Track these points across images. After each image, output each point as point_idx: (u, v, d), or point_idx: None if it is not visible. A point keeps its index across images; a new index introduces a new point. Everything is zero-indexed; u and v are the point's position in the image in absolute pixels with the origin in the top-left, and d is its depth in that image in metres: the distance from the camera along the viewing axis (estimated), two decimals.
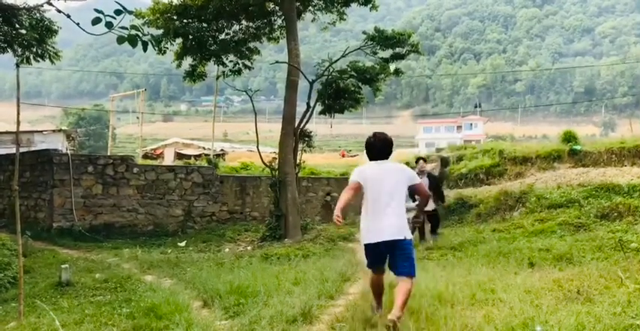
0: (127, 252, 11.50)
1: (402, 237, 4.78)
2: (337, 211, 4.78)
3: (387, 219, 4.80)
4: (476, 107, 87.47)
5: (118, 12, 3.43)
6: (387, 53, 15.42)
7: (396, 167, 5.19)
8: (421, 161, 11.93)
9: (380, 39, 14.85)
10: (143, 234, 14.83)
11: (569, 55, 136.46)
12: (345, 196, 4.97)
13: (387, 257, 4.88)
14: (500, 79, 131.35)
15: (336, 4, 15.94)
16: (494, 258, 8.52)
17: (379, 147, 5.10)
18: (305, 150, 14.98)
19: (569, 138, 18.63)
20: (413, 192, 5.42)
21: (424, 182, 9.86)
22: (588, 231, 10.50)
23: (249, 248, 12.94)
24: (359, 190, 4.98)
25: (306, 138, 14.76)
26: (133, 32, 3.54)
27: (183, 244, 13.59)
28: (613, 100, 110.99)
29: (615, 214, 11.37)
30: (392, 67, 15.07)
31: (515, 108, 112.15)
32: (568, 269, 7.18)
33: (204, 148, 33.37)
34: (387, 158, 5.12)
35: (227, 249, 12.86)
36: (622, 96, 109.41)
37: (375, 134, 5.24)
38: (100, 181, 14.86)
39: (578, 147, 18.05)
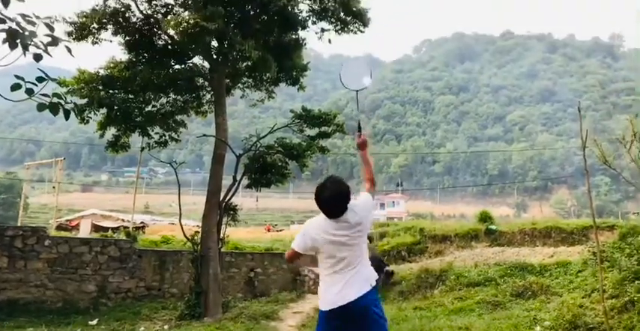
0: None
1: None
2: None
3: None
4: (398, 186, 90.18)
5: (40, 79, 3.37)
6: (313, 131, 15.83)
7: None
8: None
9: (307, 118, 15.28)
10: (51, 311, 13.74)
11: (483, 140, 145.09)
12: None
13: None
14: (420, 159, 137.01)
15: (265, 83, 16.38)
16: None
17: (328, 202, 4.12)
18: (230, 224, 14.75)
19: (485, 218, 19.48)
20: None
21: None
22: (505, 310, 10.78)
23: (165, 327, 12.26)
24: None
25: (231, 212, 14.58)
26: (55, 100, 3.48)
27: (94, 323, 12.69)
28: (524, 183, 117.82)
29: (529, 293, 11.78)
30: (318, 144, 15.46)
31: (435, 188, 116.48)
32: None
33: (123, 220, 32.12)
34: (340, 215, 4.08)
35: (142, 328, 12.12)
36: (532, 180, 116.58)
37: (324, 183, 4.19)
38: (6, 254, 13.83)
39: (493, 227, 18.87)
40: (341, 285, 3.88)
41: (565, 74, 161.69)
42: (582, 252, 13.52)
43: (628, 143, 9.51)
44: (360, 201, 4.25)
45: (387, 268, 13.70)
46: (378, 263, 9.52)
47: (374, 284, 3.95)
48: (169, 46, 14.94)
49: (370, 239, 21.73)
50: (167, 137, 15.89)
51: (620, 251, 10.49)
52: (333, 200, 4.03)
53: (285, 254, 4.25)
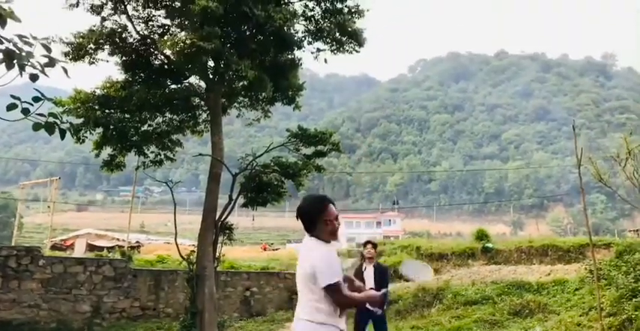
0: None
1: None
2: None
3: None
4: (394, 204, 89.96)
5: (36, 99, 3.39)
6: (309, 150, 15.86)
7: (307, 255, 3.63)
8: (369, 245, 9.07)
9: (303, 137, 15.32)
10: None
11: (479, 158, 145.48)
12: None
13: None
14: (416, 178, 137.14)
15: (261, 103, 16.44)
16: None
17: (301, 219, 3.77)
18: (225, 243, 14.69)
19: (481, 236, 19.48)
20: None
21: (369, 273, 8.43)
22: (502, 328, 10.72)
23: None
24: None
25: (227, 231, 14.52)
26: (51, 119, 3.49)
27: None
28: (520, 201, 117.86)
29: (527, 311, 11.73)
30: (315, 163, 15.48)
31: (431, 206, 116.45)
32: None
33: (118, 239, 31.92)
34: (310, 233, 3.68)
35: None
36: (528, 198, 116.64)
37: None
38: None
39: (490, 246, 18.85)
40: None
41: (559, 93, 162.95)
42: (579, 270, 13.51)
43: (623, 161, 9.59)
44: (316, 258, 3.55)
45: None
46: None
47: None
48: (166, 66, 15.02)
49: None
50: (163, 156, 15.89)
51: (617, 269, 10.49)
52: (299, 211, 3.78)
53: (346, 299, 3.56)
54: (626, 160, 9.63)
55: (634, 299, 8.97)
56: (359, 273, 8.42)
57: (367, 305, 3.71)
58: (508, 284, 13.98)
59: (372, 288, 7.54)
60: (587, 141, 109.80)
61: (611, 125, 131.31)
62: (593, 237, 12.36)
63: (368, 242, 9.33)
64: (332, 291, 3.43)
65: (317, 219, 3.68)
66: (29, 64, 3.27)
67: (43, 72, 3.37)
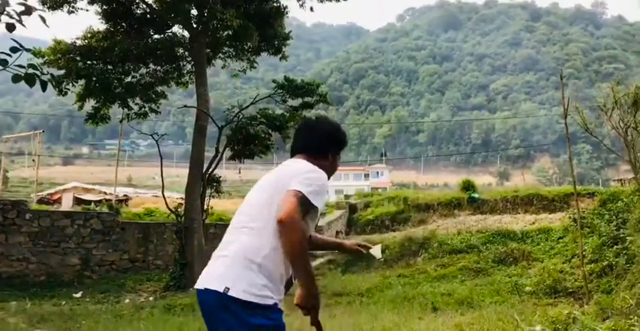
0: (14, 305, 10.57)
1: (220, 289, 2.37)
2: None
3: (217, 254, 2.57)
4: (382, 156, 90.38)
5: (14, 49, 3.26)
6: (296, 102, 15.71)
7: (291, 164, 2.76)
8: None
9: (289, 88, 15.14)
10: (34, 284, 13.74)
11: (467, 109, 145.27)
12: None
13: None
14: (404, 129, 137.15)
15: (246, 53, 16.15)
16: (400, 303, 8.65)
17: (295, 135, 3.02)
18: (213, 196, 14.72)
19: (467, 186, 19.67)
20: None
21: None
22: (487, 276, 10.98)
23: (151, 298, 12.31)
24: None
25: (215, 184, 14.53)
26: (31, 71, 3.37)
27: (79, 295, 12.71)
28: (507, 152, 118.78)
29: (511, 259, 12.02)
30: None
31: (418, 157, 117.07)
32: (469, 314, 7.41)
33: (105, 193, 31.89)
34: (297, 152, 2.87)
35: (127, 300, 12.16)
36: (515, 149, 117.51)
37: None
38: None
39: (476, 196, 19.06)
40: None
41: (548, 42, 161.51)
42: (563, 219, 13.76)
43: (609, 110, 9.60)
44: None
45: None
46: None
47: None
48: (148, 15, 14.62)
49: (354, 209, 21.87)
50: (147, 108, 15.70)
51: (600, 218, 10.68)
52: (302, 131, 3.01)
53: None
54: (612, 110, 9.64)
55: (615, 247, 9.18)
56: None
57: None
58: (493, 233, 14.25)
59: None
60: (575, 91, 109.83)
61: (599, 75, 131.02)
62: (578, 187, 12.52)
63: None
64: (292, 196, 2.41)
65: (330, 149, 2.89)
66: (5, 12, 3.14)
67: (19, 21, 3.24)
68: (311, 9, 15.52)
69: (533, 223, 15.24)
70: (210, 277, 2.45)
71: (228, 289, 2.34)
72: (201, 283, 2.48)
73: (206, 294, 2.43)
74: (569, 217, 12.43)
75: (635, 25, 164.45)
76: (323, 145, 2.85)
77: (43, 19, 3.43)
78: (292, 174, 2.55)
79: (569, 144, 9.74)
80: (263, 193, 2.61)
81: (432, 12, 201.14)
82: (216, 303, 2.39)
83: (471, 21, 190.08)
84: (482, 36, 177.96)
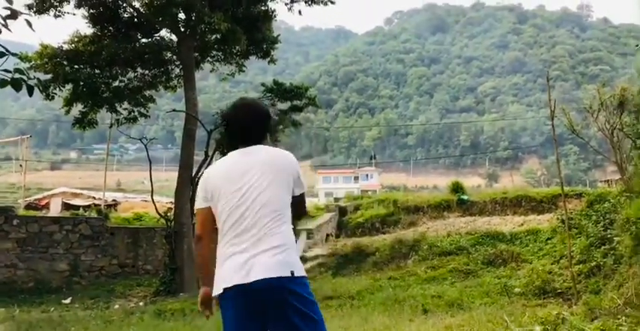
0: (2, 312, 10.46)
1: (288, 274, 2.63)
2: (201, 296, 2.91)
3: (260, 246, 2.67)
4: (371, 158, 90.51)
5: (0, 54, 3.24)
6: (285, 105, 15.73)
7: (276, 152, 3.01)
8: None
9: (278, 91, 15.17)
10: (22, 291, 13.63)
11: (456, 112, 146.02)
12: (198, 254, 3.03)
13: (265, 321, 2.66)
14: (393, 132, 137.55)
15: (235, 56, 16.14)
16: (390, 306, 8.66)
17: (244, 122, 3.00)
18: None
19: (457, 188, 19.75)
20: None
21: None
22: (476, 277, 11.03)
23: (141, 303, 12.24)
24: (213, 222, 2.88)
25: None
26: (17, 76, 3.35)
27: (68, 301, 12.61)
28: (495, 154, 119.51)
29: (500, 260, 12.08)
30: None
31: (408, 160, 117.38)
32: (459, 315, 7.43)
33: (94, 198, 31.65)
34: (258, 141, 2.98)
35: (117, 306, 12.08)
36: (503, 150, 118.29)
37: (236, 103, 3.19)
38: None
39: (465, 197, 19.15)
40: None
41: (535, 45, 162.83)
42: (551, 220, 13.85)
43: (595, 112, 9.69)
44: (295, 162, 3.08)
45: None
46: None
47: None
48: (135, 19, 14.58)
49: (344, 212, 21.90)
50: (136, 113, 15.63)
51: (588, 218, 10.77)
52: (247, 115, 3.05)
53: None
54: (598, 111, 9.74)
55: (602, 247, 9.25)
56: None
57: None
58: (482, 234, 14.32)
59: None
60: (562, 93, 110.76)
61: (586, 77, 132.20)
62: (565, 188, 12.62)
63: None
64: (303, 200, 3.02)
65: (269, 129, 3.19)
66: None
67: (5, 25, 3.23)
68: (299, 12, 15.57)
69: (522, 224, 15.33)
70: (269, 267, 2.61)
71: (293, 272, 2.64)
72: (259, 273, 2.59)
73: (269, 282, 2.58)
74: (557, 218, 12.51)
75: (620, 27, 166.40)
76: (264, 131, 3.08)
77: (30, 24, 3.41)
78: (291, 169, 2.93)
79: (557, 146, 9.82)
80: (273, 185, 2.81)
81: (420, 15, 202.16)
82: (283, 289, 2.60)
83: (458, 24, 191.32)
84: (469, 39, 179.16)
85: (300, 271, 2.68)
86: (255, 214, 2.72)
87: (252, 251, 2.65)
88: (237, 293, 2.61)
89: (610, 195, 11.38)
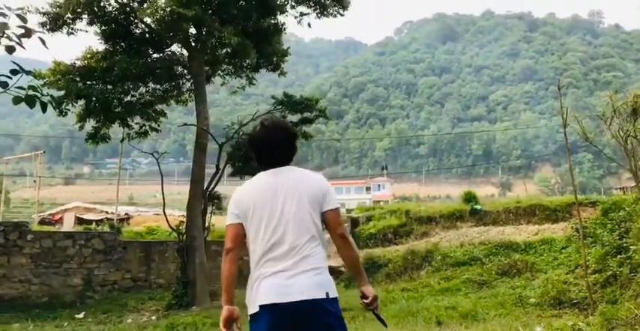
0: (16, 328, 10.53)
1: (323, 296, 2.72)
2: (225, 316, 2.85)
3: (298, 267, 2.75)
4: (383, 169, 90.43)
5: (14, 72, 3.28)
6: (296, 117, 15.77)
7: (304, 174, 3.01)
8: None
9: (289, 104, 15.22)
10: (37, 306, 13.71)
11: (467, 121, 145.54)
12: (225, 267, 2.98)
13: None
14: (404, 142, 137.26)
15: (245, 70, 16.24)
16: (404, 318, 8.58)
17: (272, 143, 3.02)
18: (214, 213, 14.71)
19: (469, 198, 19.61)
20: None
21: None
22: (490, 288, 10.90)
23: (153, 317, 12.24)
24: (244, 238, 2.97)
25: (216, 201, 14.54)
26: (31, 92, 3.39)
27: (81, 316, 12.66)
28: (508, 162, 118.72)
29: (514, 271, 11.94)
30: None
31: (420, 170, 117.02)
32: (473, 327, 7.35)
33: (107, 212, 31.88)
34: (287, 161, 3.04)
35: (129, 320, 12.10)
36: (516, 159, 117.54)
37: (263, 123, 3.11)
38: None
39: (478, 207, 19.00)
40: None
41: (546, 52, 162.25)
42: (566, 229, 13.70)
43: (608, 119, 9.60)
44: (325, 182, 3.08)
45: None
46: None
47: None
48: (147, 35, 14.73)
49: (356, 223, 21.82)
50: (148, 127, 15.74)
51: (603, 227, 10.62)
52: (276, 136, 3.04)
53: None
54: (612, 119, 9.64)
55: (618, 256, 9.11)
56: None
57: None
58: (496, 244, 14.18)
59: None
60: (574, 100, 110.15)
61: (598, 83, 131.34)
62: (580, 196, 12.49)
63: None
64: (337, 213, 2.99)
65: (296, 149, 3.15)
66: (4, 35, 3.17)
67: (19, 43, 3.27)
68: (309, 25, 15.69)
69: (536, 234, 15.17)
70: (307, 288, 2.71)
71: (328, 293, 2.75)
72: (297, 295, 2.68)
73: (306, 303, 2.68)
74: (572, 227, 12.37)
75: (632, 33, 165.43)
76: (291, 150, 3.10)
77: (43, 41, 3.46)
78: (322, 189, 2.94)
79: (569, 154, 9.74)
80: (303, 207, 2.86)
81: (430, 25, 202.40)
82: (319, 309, 2.71)
83: (468, 33, 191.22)
84: (480, 47, 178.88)
85: (333, 292, 2.79)
86: (291, 235, 2.81)
87: (290, 271, 2.75)
88: (273, 313, 2.68)
89: (625, 202, 11.22)
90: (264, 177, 2.98)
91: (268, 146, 3.02)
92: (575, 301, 9.04)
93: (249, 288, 2.86)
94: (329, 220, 2.92)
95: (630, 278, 8.30)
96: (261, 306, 2.71)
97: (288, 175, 2.94)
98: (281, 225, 2.82)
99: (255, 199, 2.90)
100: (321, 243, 2.89)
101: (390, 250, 16.30)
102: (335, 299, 2.79)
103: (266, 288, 2.74)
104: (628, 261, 8.70)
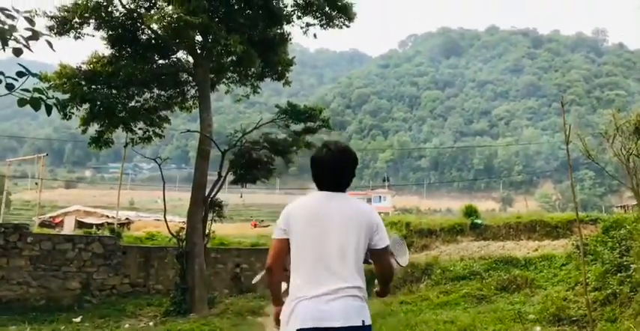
0: (13, 330, 10.48)
1: (360, 323, 2.82)
2: (275, 314, 3.11)
3: (339, 292, 2.82)
4: (384, 181, 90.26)
5: (20, 74, 3.30)
6: (299, 126, 15.80)
7: (358, 206, 3.07)
8: None
9: (292, 113, 15.26)
10: (34, 309, 13.66)
11: (469, 135, 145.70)
12: (272, 282, 3.09)
13: None
14: (406, 154, 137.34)
15: (250, 78, 16.30)
16: None
17: (333, 166, 3.07)
18: (215, 220, 14.70)
19: (470, 212, 19.58)
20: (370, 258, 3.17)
21: None
22: (490, 303, 10.85)
23: (151, 323, 12.20)
24: (287, 253, 3.01)
25: (217, 208, 14.53)
26: (36, 95, 3.41)
27: (78, 320, 12.61)
28: (510, 178, 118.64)
29: (514, 286, 11.88)
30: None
31: (421, 183, 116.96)
32: None
33: (107, 216, 31.87)
34: (343, 188, 3.10)
35: (127, 325, 12.06)
36: (517, 174, 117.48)
37: (327, 145, 3.15)
38: None
39: (479, 221, 18.95)
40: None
41: (550, 69, 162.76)
42: (566, 246, 13.65)
43: (611, 137, 9.61)
44: (378, 217, 3.17)
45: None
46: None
47: None
48: (153, 41, 14.81)
49: None
50: (151, 132, 15.77)
51: (603, 245, 10.59)
52: (338, 159, 3.09)
53: None
54: (614, 137, 9.65)
55: (619, 274, 9.08)
56: None
57: None
58: (496, 259, 14.12)
59: None
60: (577, 117, 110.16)
61: (601, 101, 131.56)
62: (581, 213, 12.46)
63: None
64: (387, 253, 3.14)
65: (354, 176, 3.20)
66: (12, 38, 3.19)
67: (27, 46, 3.29)
68: (314, 35, 15.74)
69: (537, 250, 15.11)
70: (345, 315, 2.78)
71: (364, 321, 2.84)
72: (334, 321, 2.76)
73: (343, 330, 2.77)
74: (573, 244, 12.33)
75: (635, 52, 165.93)
76: (350, 177, 3.17)
77: (50, 44, 3.48)
78: (372, 222, 3.00)
79: (571, 171, 9.74)
80: (353, 237, 2.92)
81: (434, 38, 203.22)
82: None
83: (472, 47, 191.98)
84: (484, 62, 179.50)
85: (368, 320, 2.87)
86: (336, 261, 2.86)
87: (330, 296, 2.79)
88: None
89: (626, 221, 11.18)
90: (319, 198, 3.04)
91: (331, 168, 3.07)
92: (575, 318, 8.99)
93: (286, 305, 2.91)
94: (380, 258, 3.10)
95: (630, 296, 8.26)
96: (298, 330, 2.77)
97: (343, 203, 3.01)
98: (328, 249, 2.87)
99: (305, 217, 2.96)
100: (362, 271, 2.95)
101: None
102: (369, 327, 2.87)
103: (304, 312, 2.79)
104: (628, 280, 8.66)
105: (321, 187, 3.07)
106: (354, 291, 2.85)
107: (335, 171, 3.06)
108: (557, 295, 10.13)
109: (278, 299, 3.12)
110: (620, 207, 29.70)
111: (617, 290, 8.74)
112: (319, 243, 2.88)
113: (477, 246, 16.48)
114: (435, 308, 11.02)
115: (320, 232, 2.89)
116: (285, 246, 2.98)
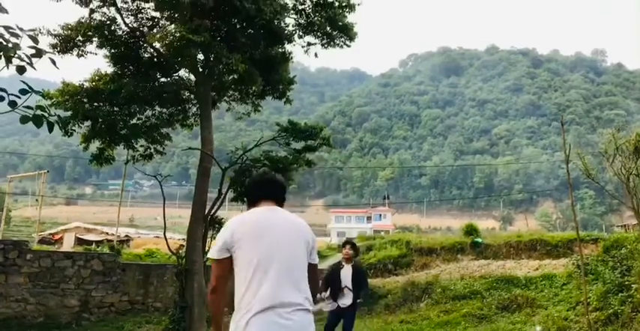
0: None
1: None
2: None
3: (291, 305, 2.84)
4: (384, 199, 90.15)
5: (23, 91, 3.34)
6: (300, 144, 15.82)
7: (299, 220, 3.22)
8: (348, 246, 8.99)
9: (293, 131, 15.29)
10: (32, 326, 13.57)
11: (469, 153, 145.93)
12: (214, 305, 3.15)
13: None
14: (406, 173, 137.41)
15: (251, 96, 16.37)
16: None
17: (270, 186, 3.31)
18: (215, 238, 14.64)
19: (471, 231, 19.58)
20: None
21: (346, 272, 8.36)
22: (490, 323, 10.79)
23: None
24: (230, 272, 2.97)
25: (217, 225, 14.48)
26: (39, 112, 3.44)
27: None
28: (510, 196, 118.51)
29: (515, 306, 11.83)
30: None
31: (421, 201, 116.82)
32: None
33: (107, 233, 31.78)
34: (281, 203, 3.27)
35: None
36: (518, 193, 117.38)
37: (261, 173, 3.70)
38: None
39: (479, 240, 18.94)
40: None
41: (549, 88, 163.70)
42: (567, 265, 13.61)
43: (610, 157, 9.65)
44: (312, 234, 3.29)
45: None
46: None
47: None
48: (155, 59, 14.89)
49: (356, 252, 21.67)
50: (152, 150, 15.77)
51: (604, 264, 10.57)
52: (273, 182, 3.40)
53: None
54: (614, 156, 9.69)
55: (620, 294, 9.05)
56: (336, 271, 8.41)
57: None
58: (497, 278, 14.08)
59: (347, 287, 8.03)
60: (577, 136, 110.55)
61: (601, 121, 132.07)
62: (581, 232, 12.44)
63: (347, 242, 9.32)
64: (317, 271, 3.26)
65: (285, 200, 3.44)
66: (16, 55, 3.23)
67: (30, 64, 3.33)
68: (315, 55, 15.84)
69: (537, 269, 15.07)
70: (302, 327, 2.82)
71: None
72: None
73: None
74: (573, 263, 12.30)
75: (634, 72, 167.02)
76: (284, 196, 3.40)
77: (54, 62, 3.53)
78: (310, 236, 3.13)
79: (571, 190, 9.76)
80: (297, 248, 3.02)
81: (434, 58, 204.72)
82: None
83: (472, 67, 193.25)
84: (483, 82, 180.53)
85: None
86: (284, 270, 2.88)
87: (286, 309, 2.79)
88: None
89: (627, 240, 11.18)
90: (259, 211, 3.13)
91: (268, 181, 3.36)
92: None
93: (238, 318, 2.83)
94: (313, 272, 3.11)
95: (632, 317, 8.22)
96: None
97: (283, 213, 3.15)
98: (274, 258, 2.87)
99: (254, 232, 2.95)
100: (307, 282, 2.99)
101: (390, 281, 16.19)
102: None
103: (261, 325, 2.73)
104: (630, 300, 8.63)
105: (261, 198, 3.23)
106: (307, 304, 2.89)
107: (273, 182, 3.34)
108: (558, 315, 10.08)
109: (220, 323, 3.18)
110: (621, 226, 29.64)
111: (619, 311, 8.70)
112: (271, 256, 2.87)
113: (477, 265, 16.44)
114: (435, 328, 10.97)
115: (267, 242, 2.91)
116: (228, 265, 2.96)
